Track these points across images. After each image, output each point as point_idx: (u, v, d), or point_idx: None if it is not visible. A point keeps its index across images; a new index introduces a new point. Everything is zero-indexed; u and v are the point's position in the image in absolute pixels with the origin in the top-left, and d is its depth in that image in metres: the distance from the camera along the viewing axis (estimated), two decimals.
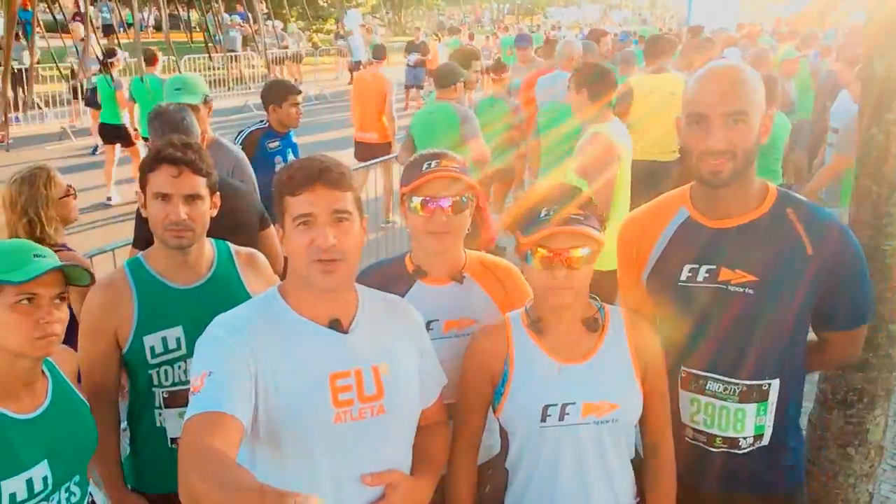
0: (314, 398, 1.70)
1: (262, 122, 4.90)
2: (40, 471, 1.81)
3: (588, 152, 4.25)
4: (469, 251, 2.29)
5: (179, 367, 2.30)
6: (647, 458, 2.08)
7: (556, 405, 1.93)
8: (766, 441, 2.06)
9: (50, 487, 1.83)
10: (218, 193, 2.38)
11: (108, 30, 19.26)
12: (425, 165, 2.10)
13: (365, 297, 1.88)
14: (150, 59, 9.76)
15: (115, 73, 10.06)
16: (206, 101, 3.87)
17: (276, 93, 4.82)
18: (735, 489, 2.10)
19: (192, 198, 2.25)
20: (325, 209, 1.69)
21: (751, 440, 2.06)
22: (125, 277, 2.32)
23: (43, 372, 1.94)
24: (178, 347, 2.29)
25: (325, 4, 31.28)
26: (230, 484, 1.27)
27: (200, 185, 2.28)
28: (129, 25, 16.95)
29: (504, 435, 2.10)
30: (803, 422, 2.37)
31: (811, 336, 2.12)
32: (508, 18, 43.49)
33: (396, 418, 1.80)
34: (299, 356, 1.72)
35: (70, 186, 3.25)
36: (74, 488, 1.92)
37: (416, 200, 2.08)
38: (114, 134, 9.85)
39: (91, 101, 11.10)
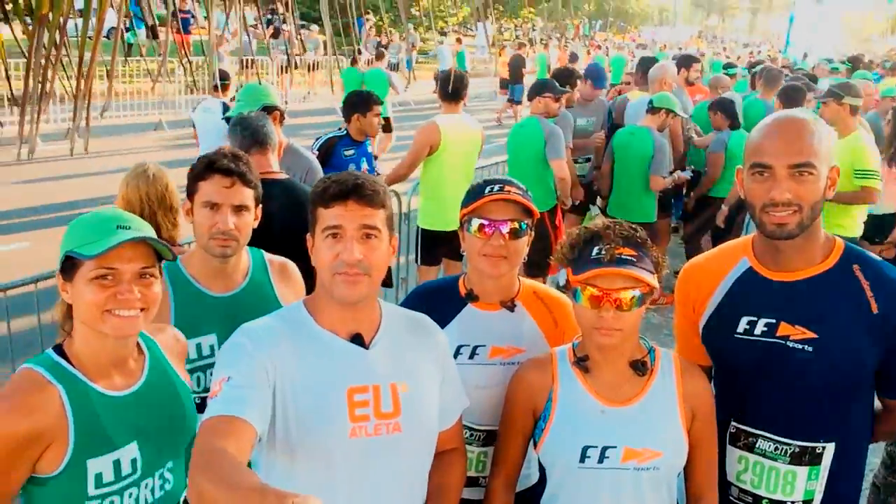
0: (331, 411, 1.71)
1: (339, 129, 5.00)
2: (129, 452, 1.76)
3: None
4: (524, 280, 2.28)
5: (212, 373, 2.34)
6: None
7: (595, 447, 1.88)
8: None
9: (139, 472, 1.78)
10: (261, 206, 2.41)
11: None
12: (488, 189, 2.09)
13: (389, 315, 1.89)
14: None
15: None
16: (271, 111, 3.90)
17: (362, 102, 4.93)
18: None
19: (240, 208, 2.29)
20: (354, 223, 1.71)
21: None
22: (163, 283, 2.35)
23: (141, 350, 1.88)
24: (212, 354, 2.32)
25: (417, 13, 31.69)
26: (234, 484, 1.29)
27: (248, 196, 2.32)
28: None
29: (542, 470, 2.07)
30: (867, 482, 2.25)
31: (877, 404, 2.02)
32: (600, 35, 43.06)
33: (412, 438, 1.79)
34: (318, 368, 1.73)
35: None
36: (168, 475, 1.85)
37: (475, 223, 2.08)
38: None
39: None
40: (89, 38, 1.68)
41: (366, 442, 1.72)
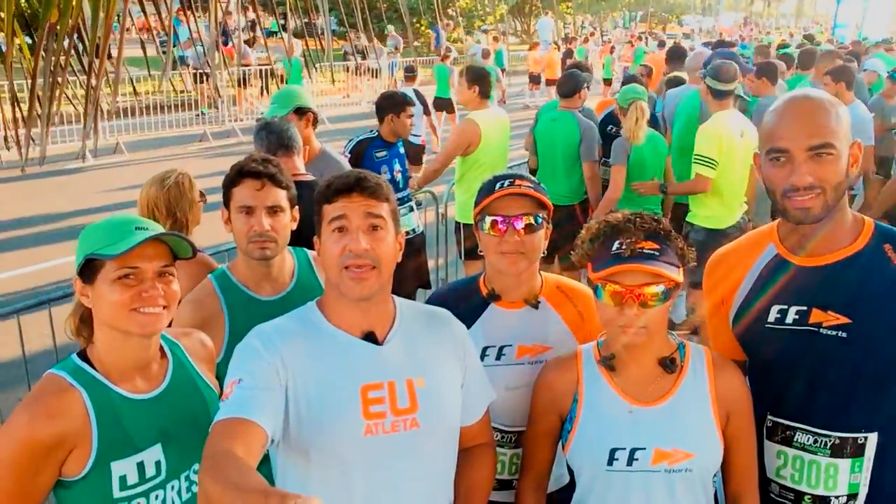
0: (344, 409, 1.69)
1: (371, 131, 5.00)
2: (153, 455, 1.77)
3: None
4: (547, 275, 2.22)
5: None
6: None
7: (624, 449, 1.82)
8: (861, 502, 1.87)
9: (164, 474, 1.78)
10: (297, 206, 2.42)
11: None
12: (498, 185, 2.05)
13: (404, 310, 1.86)
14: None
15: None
16: (303, 113, 3.91)
17: (396, 103, 4.93)
18: None
19: (274, 209, 2.32)
20: (359, 214, 1.71)
21: (844, 499, 1.87)
22: (214, 292, 2.38)
23: (164, 354, 1.89)
24: None
25: (455, 14, 31.74)
26: (238, 485, 1.30)
27: (282, 197, 2.35)
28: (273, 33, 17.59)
29: (571, 472, 2.02)
30: None
31: None
32: (641, 26, 42.48)
33: (431, 433, 1.75)
34: (331, 367, 1.72)
35: (202, 192, 3.38)
36: (194, 477, 1.85)
37: (488, 220, 2.04)
38: None
39: None
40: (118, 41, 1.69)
41: (382, 440, 1.70)
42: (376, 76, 18.91)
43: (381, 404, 1.71)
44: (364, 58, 16.73)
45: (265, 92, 15.96)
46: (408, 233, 4.97)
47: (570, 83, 5.74)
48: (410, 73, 11.19)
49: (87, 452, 1.68)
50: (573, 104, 5.70)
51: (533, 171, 5.89)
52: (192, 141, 14.29)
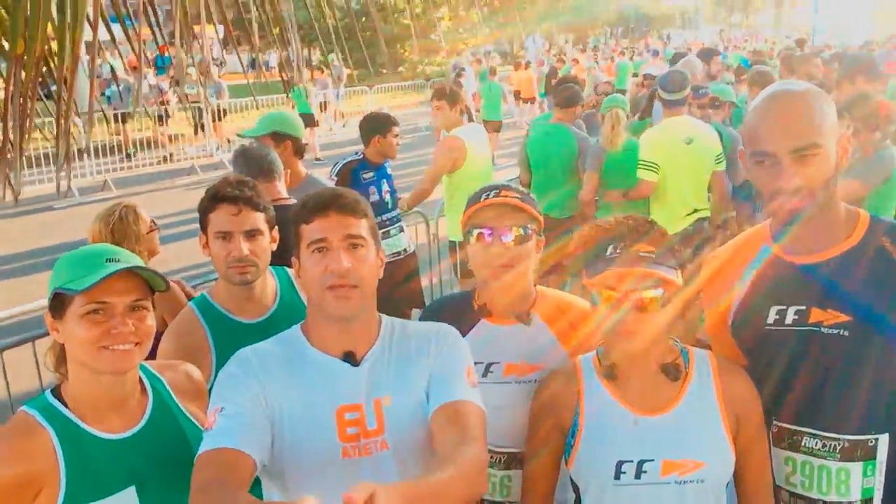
0: (320, 431, 1.66)
1: (356, 153, 4.97)
2: (126, 498, 1.69)
3: None
4: (542, 289, 2.16)
5: None
6: None
7: (631, 462, 1.76)
8: None
9: None
10: (277, 227, 2.38)
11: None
12: (484, 195, 2.00)
13: (389, 329, 1.80)
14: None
15: None
16: (281, 139, 3.85)
17: (381, 124, 4.90)
18: None
19: (252, 233, 2.28)
20: (338, 234, 1.67)
21: None
22: (197, 319, 2.33)
23: (145, 390, 1.81)
24: None
25: (436, 38, 31.98)
26: None
27: (259, 220, 2.31)
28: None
29: (576, 489, 1.95)
30: None
31: None
32: (623, 42, 42.79)
33: (400, 455, 1.68)
34: (308, 389, 1.69)
35: (153, 221, 3.37)
36: None
37: (475, 232, 1.99)
38: None
39: None
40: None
41: (359, 462, 1.66)
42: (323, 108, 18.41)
43: (355, 426, 1.67)
44: (287, 93, 16.52)
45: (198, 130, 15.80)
46: (399, 253, 4.92)
47: (569, 94, 5.76)
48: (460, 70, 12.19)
49: (55, 494, 1.62)
50: (568, 117, 5.71)
51: (524, 185, 5.88)
52: (181, 175, 14.27)
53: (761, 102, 1.76)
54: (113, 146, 13.82)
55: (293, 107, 14.81)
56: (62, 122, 1.69)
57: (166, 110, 15.42)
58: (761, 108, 1.75)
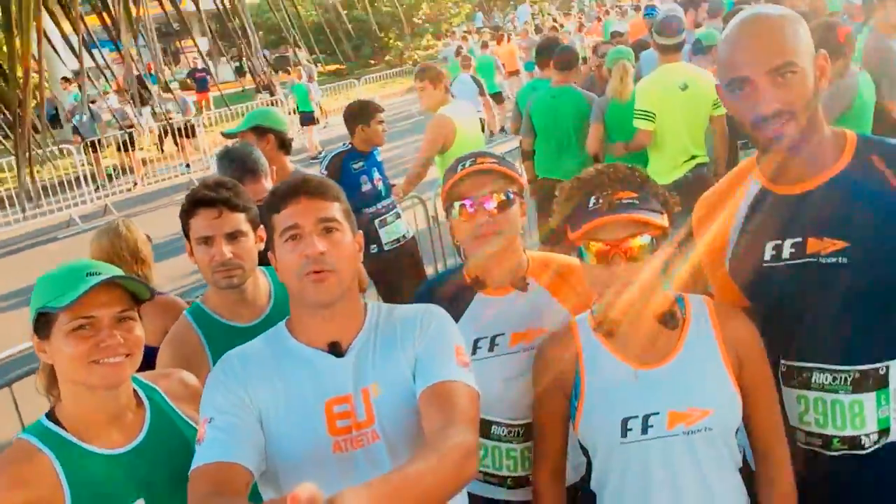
0: (309, 426, 1.60)
1: (343, 144, 4.91)
2: None
3: None
4: (532, 253, 2.11)
5: None
6: (759, 466, 1.82)
7: (636, 417, 1.71)
8: (894, 436, 1.75)
9: None
10: (262, 226, 2.33)
11: None
12: (460, 165, 1.95)
13: (375, 315, 1.74)
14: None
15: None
16: (263, 132, 3.79)
17: (364, 112, 4.84)
18: (863, 499, 1.79)
19: (234, 235, 2.23)
20: (310, 219, 1.61)
21: (875, 437, 1.75)
22: (191, 328, 2.29)
23: (140, 401, 1.79)
24: None
25: (421, 21, 31.73)
26: None
27: (241, 221, 2.25)
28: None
29: (586, 452, 1.90)
30: None
31: None
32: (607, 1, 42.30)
33: (393, 445, 1.62)
34: (294, 384, 1.63)
35: (147, 235, 3.33)
36: None
37: (456, 206, 1.94)
38: None
39: None
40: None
41: (353, 455, 1.60)
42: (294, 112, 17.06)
43: (346, 419, 1.61)
44: (272, 94, 16.23)
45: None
46: (399, 239, 4.88)
47: (569, 56, 5.72)
48: (466, 62, 12.20)
49: None
50: (571, 78, 5.66)
51: (528, 153, 5.83)
52: (180, 191, 14.25)
53: (732, 28, 1.70)
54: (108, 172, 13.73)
55: (294, 108, 14.81)
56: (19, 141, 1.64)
57: (131, 135, 14.34)
58: (732, 34, 1.69)
